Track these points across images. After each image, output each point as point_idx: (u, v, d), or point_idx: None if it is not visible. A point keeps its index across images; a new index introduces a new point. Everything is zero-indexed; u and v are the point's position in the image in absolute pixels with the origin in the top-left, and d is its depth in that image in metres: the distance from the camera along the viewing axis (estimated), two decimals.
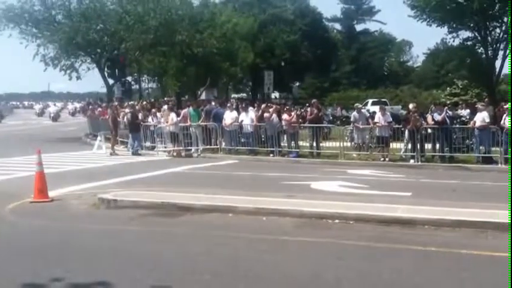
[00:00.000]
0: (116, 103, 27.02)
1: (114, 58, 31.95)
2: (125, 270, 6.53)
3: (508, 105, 18.67)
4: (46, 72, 31.23)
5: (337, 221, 8.96)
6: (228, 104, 23.82)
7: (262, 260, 7.01)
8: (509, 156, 17.26)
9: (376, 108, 25.99)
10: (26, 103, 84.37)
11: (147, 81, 52.49)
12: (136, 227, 8.89)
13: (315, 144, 20.13)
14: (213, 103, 26.33)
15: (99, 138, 22.58)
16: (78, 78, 31.28)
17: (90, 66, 32.21)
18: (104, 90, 34.64)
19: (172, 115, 21.32)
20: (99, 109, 30.89)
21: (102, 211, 10.16)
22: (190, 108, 22.04)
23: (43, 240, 8.13)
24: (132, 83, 43.79)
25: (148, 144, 21.81)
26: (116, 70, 32.59)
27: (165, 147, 21.40)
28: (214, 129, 21.19)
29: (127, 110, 22.84)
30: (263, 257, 7.16)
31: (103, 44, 30.81)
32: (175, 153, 20.67)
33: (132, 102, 30.89)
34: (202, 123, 21.20)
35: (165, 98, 42.29)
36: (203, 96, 45.99)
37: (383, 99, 41.34)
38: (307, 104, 29.85)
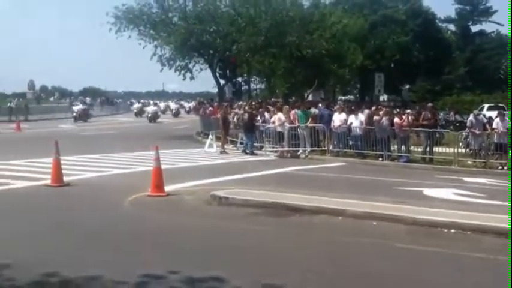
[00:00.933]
0: (227, 103, 27.68)
1: (226, 59, 32.79)
2: (236, 266, 6.66)
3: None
4: (162, 72, 32.66)
5: (453, 230, 8.60)
6: (337, 106, 23.62)
7: (373, 265, 6.88)
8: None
9: (492, 113, 24.66)
10: (151, 101, 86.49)
11: (256, 82, 53.27)
12: (246, 225, 9.05)
13: (428, 149, 19.45)
14: (319, 105, 26.23)
15: (210, 136, 23.22)
16: (191, 78, 32.53)
17: (203, 67, 33.38)
18: (215, 90, 35.72)
19: (280, 115, 21.53)
20: (210, 108, 31.75)
21: (214, 207, 10.46)
22: (299, 110, 22.11)
23: (159, 232, 8.51)
24: (242, 83, 44.69)
25: (256, 144, 22.14)
26: (228, 71, 33.46)
27: (273, 148, 21.62)
28: (322, 131, 21.13)
29: (238, 111, 23.29)
30: (373, 262, 7.03)
31: (216, 46, 31.68)
32: (283, 154, 20.84)
33: (241, 102, 31.50)
34: (310, 125, 21.19)
35: (272, 99, 42.73)
36: (310, 98, 45.95)
37: (500, 104, 39.07)
38: (417, 108, 28.92)
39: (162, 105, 67.97)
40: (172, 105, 69.81)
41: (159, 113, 51.65)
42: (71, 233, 8.26)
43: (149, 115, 47.86)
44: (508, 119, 19.30)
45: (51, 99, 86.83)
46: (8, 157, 16.79)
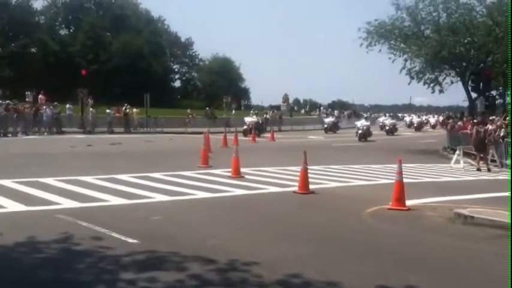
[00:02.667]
0: (481, 118, 26.20)
1: (480, 71, 31.14)
2: None
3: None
4: (409, 85, 32.27)
5: None
6: None
7: None
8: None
9: None
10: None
11: None
12: (492, 247, 8.51)
13: None
14: None
15: (457, 152, 22.20)
16: (440, 91, 31.62)
17: (453, 80, 32.19)
18: (465, 104, 34.10)
19: None
20: (460, 123, 30.35)
21: (457, 226, 10.03)
22: None
23: (397, 246, 8.50)
24: (497, 97, 41.74)
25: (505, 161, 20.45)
26: (480, 84, 31.72)
27: None
28: None
29: (490, 126, 21.79)
30: None
31: (469, 58, 30.35)
32: None
33: (494, 117, 29.45)
34: None
35: None
36: None
37: None
38: None
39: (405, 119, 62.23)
40: (387, 120, 56.76)
41: (371, 130, 40.31)
42: (313, 239, 8.72)
43: (359, 131, 38.45)
44: None
45: (302, 111, 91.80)
46: (261, 163, 18.39)
